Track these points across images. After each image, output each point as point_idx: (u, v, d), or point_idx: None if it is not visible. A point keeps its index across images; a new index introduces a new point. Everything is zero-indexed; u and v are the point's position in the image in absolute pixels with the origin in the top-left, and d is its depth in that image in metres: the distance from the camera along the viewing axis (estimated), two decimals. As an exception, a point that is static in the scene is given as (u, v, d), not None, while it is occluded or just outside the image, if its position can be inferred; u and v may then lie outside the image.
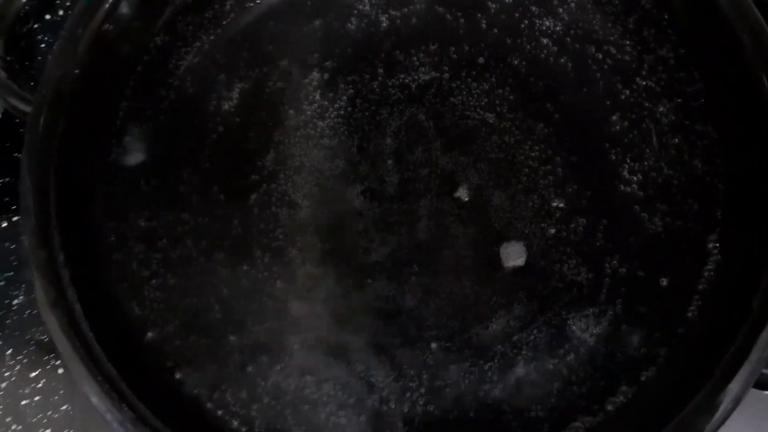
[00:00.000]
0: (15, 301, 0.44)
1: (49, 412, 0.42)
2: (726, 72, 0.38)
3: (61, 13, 0.49)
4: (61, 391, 0.42)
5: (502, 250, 0.38)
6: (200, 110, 0.41)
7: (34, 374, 0.43)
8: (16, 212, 0.46)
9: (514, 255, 0.38)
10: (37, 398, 0.42)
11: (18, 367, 0.43)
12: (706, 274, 0.37)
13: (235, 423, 0.35)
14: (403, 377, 0.36)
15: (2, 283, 0.44)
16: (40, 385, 0.42)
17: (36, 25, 0.47)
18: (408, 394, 0.36)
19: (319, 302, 0.38)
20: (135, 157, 0.40)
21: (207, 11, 0.42)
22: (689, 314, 0.36)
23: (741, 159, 0.38)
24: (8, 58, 0.40)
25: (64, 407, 0.42)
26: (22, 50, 0.44)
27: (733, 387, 0.31)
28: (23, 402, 0.42)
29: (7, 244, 0.45)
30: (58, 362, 0.43)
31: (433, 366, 0.37)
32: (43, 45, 0.48)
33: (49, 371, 0.42)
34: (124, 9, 0.39)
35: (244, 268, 0.38)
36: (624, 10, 0.42)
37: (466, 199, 0.39)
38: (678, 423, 0.31)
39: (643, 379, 0.36)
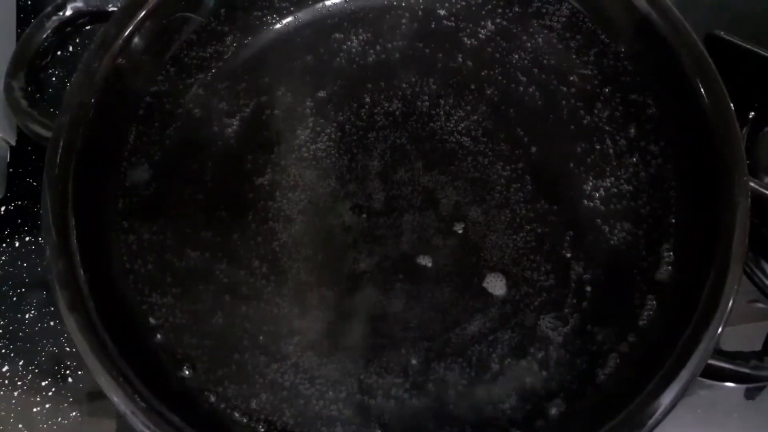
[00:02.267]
0: (27, 316, 0.46)
1: (59, 419, 0.43)
2: (674, 93, 0.42)
3: (71, 49, 0.53)
4: (71, 399, 0.44)
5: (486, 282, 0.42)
6: (203, 135, 0.44)
7: (44, 383, 0.44)
8: (27, 233, 0.48)
9: (497, 286, 0.42)
10: (47, 406, 0.44)
11: (29, 377, 0.44)
12: (660, 277, 0.40)
13: (237, 414, 0.38)
14: (389, 374, 0.39)
15: (15, 299, 0.46)
16: (50, 394, 0.44)
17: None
18: (393, 390, 0.39)
19: (312, 308, 0.41)
20: (144, 176, 0.43)
21: (209, 47, 0.46)
22: (646, 313, 0.40)
23: (691, 172, 0.41)
24: (29, 89, 0.43)
25: (73, 414, 0.44)
26: (40, 83, 0.47)
27: (684, 373, 0.34)
28: (35, 409, 0.44)
29: (19, 263, 0.47)
30: (67, 372, 0.44)
31: (417, 364, 0.39)
32: (54, 79, 0.52)
33: (59, 380, 0.44)
34: (135, 45, 0.42)
35: (244, 276, 0.41)
36: (585, 44, 0.46)
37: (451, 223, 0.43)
38: (633, 408, 0.34)
39: (604, 372, 0.39)
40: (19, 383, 0.44)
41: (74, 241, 0.37)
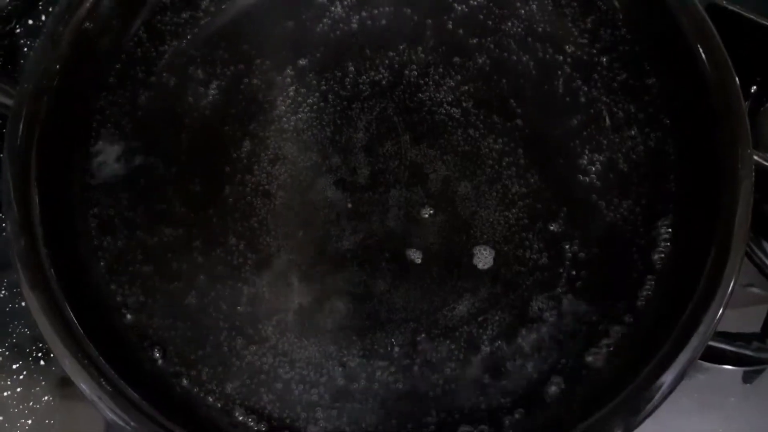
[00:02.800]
0: None
1: (31, 403, 0.42)
2: (674, 64, 0.40)
3: (43, 18, 0.50)
4: (43, 383, 0.42)
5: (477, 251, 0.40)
6: (177, 105, 0.42)
7: (15, 366, 0.43)
8: None
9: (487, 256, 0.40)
10: (18, 389, 0.42)
11: (0, 360, 0.43)
12: (658, 256, 0.39)
13: (211, 399, 0.36)
14: (373, 357, 0.38)
15: None
16: (21, 376, 0.43)
17: (19, 29, 0.48)
18: (378, 373, 0.37)
19: (292, 287, 0.39)
20: (113, 148, 0.41)
21: (184, 11, 0.43)
22: (644, 293, 0.38)
23: (692, 146, 0.40)
24: (-10, 55, 0.41)
25: (46, 398, 0.42)
26: (4, 49, 0.45)
27: (683, 356, 0.33)
28: (5, 393, 0.42)
29: None
30: (39, 354, 0.43)
31: (402, 346, 0.38)
32: (25, 49, 0.49)
33: (31, 363, 0.43)
34: (104, 7, 0.40)
35: (220, 255, 0.39)
36: (582, 11, 0.44)
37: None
38: (631, 391, 0.33)
39: (600, 354, 0.37)
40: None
41: (37, 216, 0.36)
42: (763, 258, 0.45)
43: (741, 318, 0.44)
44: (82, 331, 0.33)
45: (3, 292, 0.45)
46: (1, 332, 0.44)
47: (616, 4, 0.43)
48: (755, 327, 0.43)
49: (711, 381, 0.43)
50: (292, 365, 0.37)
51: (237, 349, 0.38)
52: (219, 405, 0.36)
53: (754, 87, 0.49)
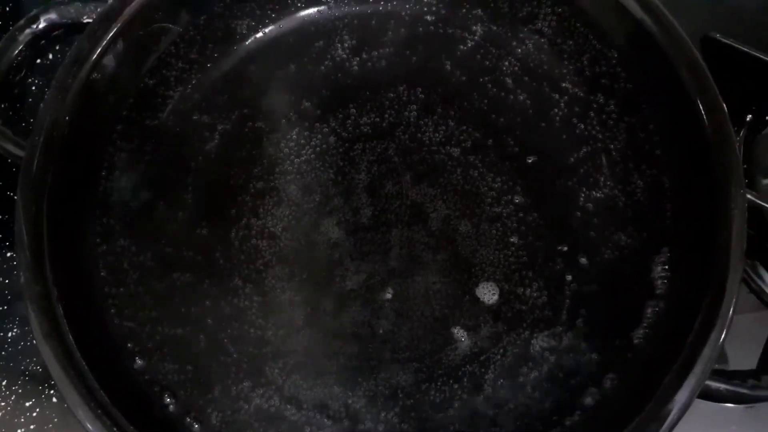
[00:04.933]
0: (9, 334, 0.45)
1: None
2: (669, 102, 0.41)
3: (50, 56, 0.51)
4: (56, 419, 0.42)
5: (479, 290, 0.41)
6: (183, 150, 0.43)
7: (28, 404, 0.43)
8: (9, 248, 0.47)
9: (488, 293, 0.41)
10: (32, 427, 0.43)
11: (13, 397, 0.43)
12: (656, 291, 0.39)
13: (221, 443, 0.37)
14: (378, 397, 0.38)
15: None
16: (34, 414, 0.43)
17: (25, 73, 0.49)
18: (383, 414, 0.38)
19: (297, 329, 0.40)
20: (122, 195, 0.42)
21: (189, 58, 0.44)
22: (642, 330, 0.38)
23: (686, 183, 0.40)
24: (1, 105, 0.41)
25: None
26: (15, 97, 0.46)
27: (680, 397, 0.33)
28: (19, 431, 0.42)
29: (1, 279, 0.46)
30: (52, 392, 0.43)
31: (407, 386, 0.38)
32: (33, 87, 0.50)
33: (43, 401, 0.43)
34: (110, 59, 0.40)
35: (227, 297, 0.40)
36: (577, 50, 0.45)
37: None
38: (631, 430, 0.33)
39: (599, 392, 0.38)
40: (2, 403, 0.43)
41: (49, 264, 0.36)
42: (762, 285, 0.46)
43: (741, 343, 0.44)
44: (94, 380, 0.34)
45: (15, 329, 0.45)
46: (14, 369, 0.44)
47: (611, 43, 0.43)
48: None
49: (712, 408, 0.43)
50: (299, 407, 0.38)
51: (245, 393, 0.38)
52: (229, 449, 0.37)
53: (749, 116, 0.50)
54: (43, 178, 0.38)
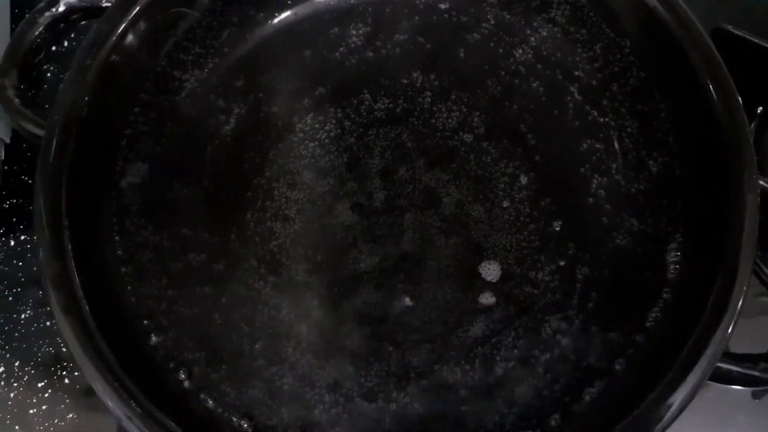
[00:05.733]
0: (23, 316, 0.45)
1: (56, 421, 0.43)
2: (681, 89, 0.41)
3: (66, 44, 0.52)
4: (68, 401, 0.43)
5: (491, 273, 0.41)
6: (200, 133, 0.43)
7: (41, 384, 0.44)
8: (23, 231, 0.47)
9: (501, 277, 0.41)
10: (44, 407, 0.43)
11: (26, 378, 0.44)
12: (668, 277, 0.39)
13: (235, 419, 0.37)
14: (390, 378, 0.39)
15: (10, 298, 0.46)
16: (46, 395, 0.43)
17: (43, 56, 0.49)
18: (395, 394, 0.38)
19: (311, 309, 0.40)
20: (139, 176, 0.42)
21: (206, 42, 0.45)
22: (653, 314, 0.39)
23: (699, 170, 0.40)
24: (21, 86, 0.42)
25: (70, 416, 0.43)
26: (34, 79, 0.46)
27: (691, 378, 0.34)
28: (31, 411, 0.43)
29: (15, 262, 0.47)
30: (64, 373, 0.44)
31: (418, 367, 0.39)
32: (49, 74, 0.51)
33: (56, 381, 0.44)
34: (129, 41, 0.41)
35: (242, 278, 0.40)
36: (590, 38, 0.45)
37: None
38: (641, 411, 0.34)
39: (610, 375, 0.38)
40: (15, 384, 0.44)
41: (68, 242, 0.37)
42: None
43: (754, 327, 0.45)
44: (112, 355, 0.34)
45: (28, 311, 0.46)
46: (27, 351, 0.45)
47: (624, 32, 0.44)
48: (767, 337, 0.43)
49: (720, 397, 0.44)
50: (312, 386, 0.38)
51: (259, 371, 0.39)
52: (244, 424, 0.37)
53: (761, 108, 0.50)
54: (61, 158, 0.38)
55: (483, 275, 0.41)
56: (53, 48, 0.48)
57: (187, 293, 0.40)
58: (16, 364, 0.44)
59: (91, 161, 0.40)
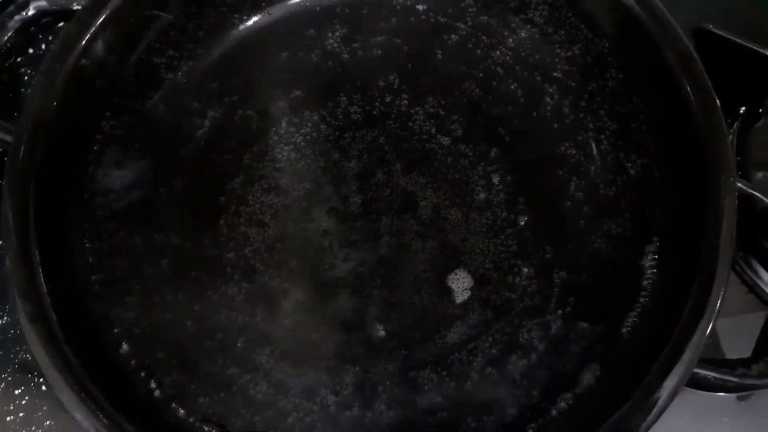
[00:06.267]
0: (0, 322, 0.44)
1: (33, 428, 0.42)
2: (659, 90, 0.41)
3: (43, 47, 0.51)
4: (45, 408, 0.42)
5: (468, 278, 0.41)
6: (173, 137, 0.43)
7: (18, 391, 0.43)
8: None
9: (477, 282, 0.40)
10: (21, 414, 0.42)
11: (2, 385, 0.43)
12: (644, 282, 0.39)
13: (206, 428, 0.37)
14: (365, 385, 0.38)
15: None
16: (24, 402, 0.43)
17: (19, 59, 0.48)
18: (370, 401, 0.38)
19: (286, 316, 0.40)
20: (111, 182, 0.41)
21: (179, 45, 0.44)
22: (630, 319, 0.38)
23: (677, 172, 0.40)
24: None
25: (48, 423, 0.42)
26: (5, 83, 0.45)
27: (668, 384, 0.33)
28: (8, 418, 0.42)
29: None
30: (41, 380, 0.43)
31: (395, 374, 0.38)
32: (26, 77, 0.50)
33: (33, 388, 0.43)
34: (100, 44, 0.40)
35: (215, 284, 0.40)
36: (568, 40, 0.45)
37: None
38: (618, 418, 0.33)
39: (587, 380, 0.38)
40: (-10, 394, 0.43)
41: (36, 250, 0.36)
42: (754, 278, 0.45)
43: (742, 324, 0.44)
44: (79, 365, 0.34)
45: (5, 318, 0.45)
46: (4, 357, 0.44)
47: (602, 32, 0.43)
48: (753, 335, 0.43)
49: (704, 400, 0.43)
50: (286, 393, 0.38)
51: (232, 378, 0.38)
52: (215, 433, 0.37)
53: (743, 108, 0.49)
54: (30, 164, 0.37)
55: (460, 280, 0.40)
56: (30, 51, 0.48)
57: (159, 300, 0.39)
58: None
59: (61, 167, 0.39)
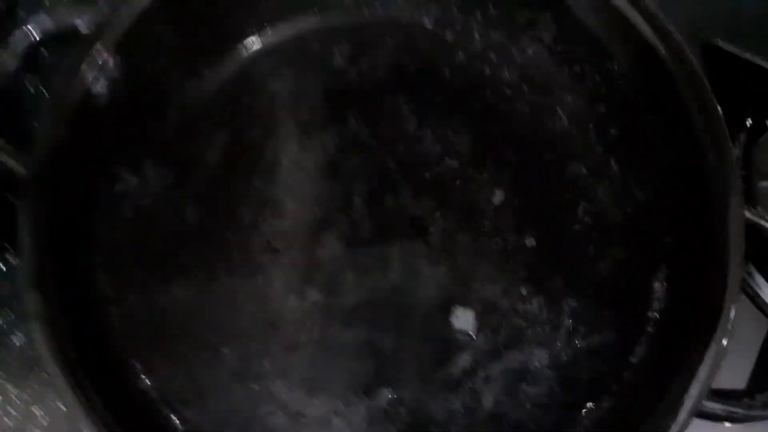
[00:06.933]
0: (18, 343, 0.44)
1: None
2: (667, 113, 0.41)
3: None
4: (66, 428, 0.43)
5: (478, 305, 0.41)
6: (182, 160, 0.43)
7: (38, 412, 0.43)
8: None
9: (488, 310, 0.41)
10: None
11: (22, 405, 0.43)
12: (652, 312, 0.40)
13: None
14: (377, 412, 0.39)
15: (4, 326, 0.45)
16: (45, 423, 0.43)
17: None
18: (382, 429, 0.38)
19: (299, 345, 0.40)
20: (123, 209, 0.42)
21: (186, 68, 0.44)
22: (639, 349, 0.39)
23: (685, 200, 0.40)
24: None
25: None
26: (14, 107, 0.45)
27: (680, 416, 0.34)
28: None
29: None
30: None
31: (407, 402, 0.39)
32: (35, 100, 0.48)
33: (54, 410, 0.43)
34: (106, 72, 0.40)
35: (229, 315, 0.40)
36: (577, 59, 0.44)
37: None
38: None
39: (598, 410, 0.38)
40: (13, 413, 0.43)
41: (54, 285, 0.36)
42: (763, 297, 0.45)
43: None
44: (102, 405, 0.34)
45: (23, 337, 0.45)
46: (22, 378, 0.44)
47: (610, 52, 0.43)
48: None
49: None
50: (298, 421, 0.38)
51: (242, 403, 0.38)
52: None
53: (749, 120, 0.49)
54: (44, 194, 0.37)
55: (470, 308, 0.41)
56: (35, 73, 0.47)
57: (177, 333, 0.39)
58: (14, 391, 0.44)
59: (73, 196, 0.39)
